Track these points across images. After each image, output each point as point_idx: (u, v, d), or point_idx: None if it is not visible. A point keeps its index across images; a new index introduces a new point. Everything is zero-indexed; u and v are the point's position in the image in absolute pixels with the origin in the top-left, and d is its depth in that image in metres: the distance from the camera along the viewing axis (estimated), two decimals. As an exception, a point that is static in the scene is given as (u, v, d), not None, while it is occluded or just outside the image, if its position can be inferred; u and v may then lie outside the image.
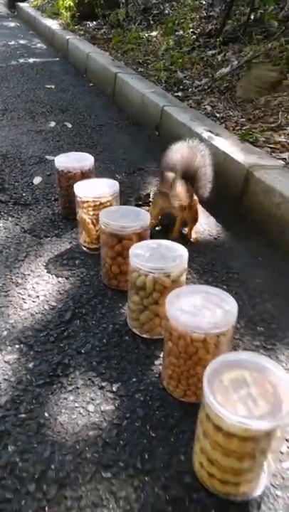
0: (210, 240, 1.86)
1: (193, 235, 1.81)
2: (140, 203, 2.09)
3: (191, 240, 1.79)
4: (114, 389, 1.15)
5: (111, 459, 0.98)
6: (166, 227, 1.82)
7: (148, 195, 2.17)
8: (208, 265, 1.68)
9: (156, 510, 0.88)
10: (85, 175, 1.83)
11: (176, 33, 4.44)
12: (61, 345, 1.27)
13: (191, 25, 4.39)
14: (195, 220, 1.79)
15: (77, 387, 1.14)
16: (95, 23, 5.77)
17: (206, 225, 1.96)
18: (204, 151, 1.75)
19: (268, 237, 1.83)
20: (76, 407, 1.09)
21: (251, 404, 0.83)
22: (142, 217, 1.43)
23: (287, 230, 1.74)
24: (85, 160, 1.86)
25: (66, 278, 1.55)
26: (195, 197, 1.76)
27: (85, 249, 1.71)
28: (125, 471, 0.96)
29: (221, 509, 0.89)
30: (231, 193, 2.07)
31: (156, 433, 1.04)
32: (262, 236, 1.86)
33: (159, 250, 1.26)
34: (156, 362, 1.23)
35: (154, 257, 1.23)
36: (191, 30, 4.32)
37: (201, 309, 1.05)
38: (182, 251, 1.26)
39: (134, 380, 1.18)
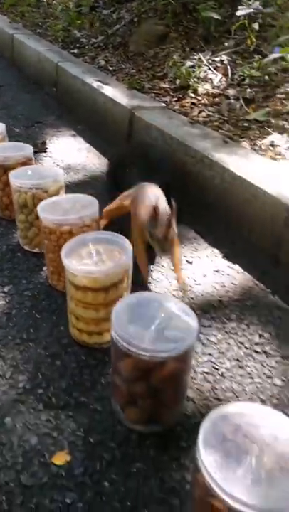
0: (100, 175, 2.07)
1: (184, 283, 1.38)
2: (36, 150, 2.24)
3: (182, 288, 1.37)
4: (5, 290, 1.34)
5: (1, 336, 1.18)
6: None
7: (44, 142, 2.33)
8: (97, 196, 1.89)
9: (38, 362, 1.10)
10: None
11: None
12: None
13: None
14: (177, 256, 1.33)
15: (-27, 292, 1.32)
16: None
17: (98, 165, 2.17)
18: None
19: (186, 200, 2.07)
20: (-29, 305, 1.27)
21: (100, 264, 1.05)
22: (25, 149, 1.60)
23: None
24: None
25: None
26: None
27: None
28: (13, 341, 1.16)
29: (90, 355, 1.12)
30: (120, 135, 2.28)
31: (41, 315, 1.25)
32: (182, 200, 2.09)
33: (37, 171, 1.45)
34: (45, 268, 1.43)
35: (33, 177, 1.41)
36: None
37: (70, 210, 1.26)
38: (58, 171, 1.45)
39: (24, 282, 1.38)
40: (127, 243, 1.10)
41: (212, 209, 1.72)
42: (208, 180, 1.72)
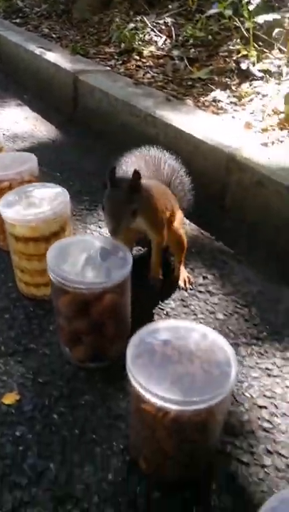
0: (48, 142, 2.06)
1: (183, 276, 1.23)
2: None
3: (180, 284, 1.22)
4: None
5: None
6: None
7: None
8: (44, 160, 1.88)
9: (-14, 317, 1.12)
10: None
11: None
12: None
13: None
14: (181, 246, 1.20)
15: None
16: None
17: (45, 132, 2.15)
18: (168, 158, 1.30)
19: (96, 134, 2.07)
20: None
21: (38, 211, 1.05)
22: None
23: (109, 122, 1.98)
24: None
25: None
26: (179, 213, 1.20)
27: None
28: None
29: (38, 306, 1.14)
30: (66, 100, 2.26)
31: (-10, 275, 1.26)
32: (93, 134, 2.09)
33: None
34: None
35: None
36: None
37: (9, 166, 1.24)
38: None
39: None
40: (66, 192, 1.11)
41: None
42: (153, 138, 1.74)
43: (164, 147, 1.69)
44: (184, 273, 1.24)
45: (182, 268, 1.24)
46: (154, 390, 0.63)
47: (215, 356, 0.70)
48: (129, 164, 1.27)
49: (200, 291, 1.22)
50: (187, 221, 1.51)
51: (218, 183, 1.51)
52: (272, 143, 1.53)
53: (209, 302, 1.18)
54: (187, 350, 0.71)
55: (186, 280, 1.23)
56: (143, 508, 0.75)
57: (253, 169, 1.37)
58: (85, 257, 0.90)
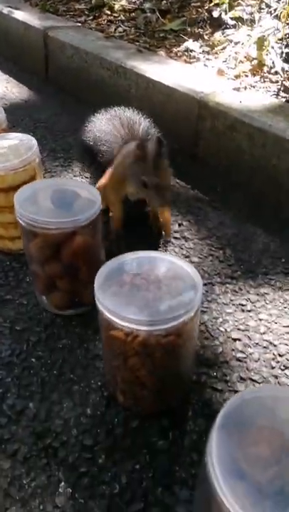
0: (21, 102, 2.00)
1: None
2: None
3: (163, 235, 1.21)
4: None
5: None
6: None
7: None
8: (17, 121, 1.84)
9: None
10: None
11: None
12: None
13: None
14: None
15: None
16: None
17: (18, 94, 2.10)
18: (142, 118, 1.27)
19: (69, 91, 2.02)
20: None
21: (4, 160, 1.03)
22: None
23: (81, 78, 1.93)
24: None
25: None
26: None
27: None
28: None
29: (15, 260, 1.14)
30: (36, 59, 2.19)
31: None
32: (66, 92, 2.04)
33: None
34: None
35: None
36: None
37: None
38: None
39: None
40: (33, 140, 1.09)
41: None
42: (126, 90, 1.71)
43: (137, 99, 1.67)
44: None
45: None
46: (122, 313, 0.64)
47: (182, 282, 0.71)
48: (103, 123, 1.28)
49: (175, 238, 1.22)
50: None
51: (191, 132, 1.49)
52: (245, 88, 1.51)
53: (184, 247, 1.19)
54: (155, 279, 0.72)
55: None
56: (121, 437, 0.78)
57: (226, 114, 1.35)
58: (54, 198, 0.89)
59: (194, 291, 0.68)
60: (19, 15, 2.34)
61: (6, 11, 2.40)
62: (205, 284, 1.09)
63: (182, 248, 1.18)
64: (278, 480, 0.47)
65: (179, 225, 1.27)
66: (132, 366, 0.70)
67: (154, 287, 0.71)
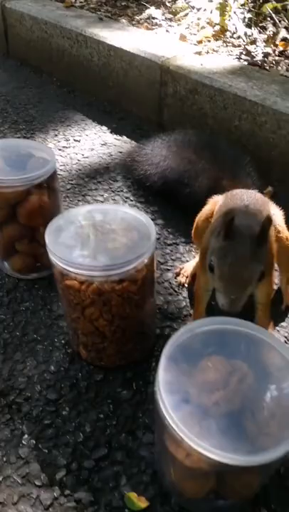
0: None
1: None
2: None
3: None
4: None
5: None
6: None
7: None
8: None
9: None
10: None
11: None
12: None
13: None
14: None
15: None
16: None
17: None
18: None
19: (32, 64, 1.97)
20: None
21: None
22: None
23: (42, 50, 1.88)
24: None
25: None
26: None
27: None
28: None
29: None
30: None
31: None
32: (28, 65, 1.99)
33: None
34: None
35: None
36: None
37: None
38: None
39: None
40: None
41: (94, 85, 1.69)
42: (87, 59, 1.68)
43: (99, 67, 1.64)
44: None
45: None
46: (74, 260, 0.64)
47: (136, 232, 0.71)
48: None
49: (140, 202, 1.22)
50: (128, 139, 1.49)
51: (156, 98, 1.48)
52: (207, 52, 1.50)
53: (150, 210, 1.19)
54: (109, 229, 0.72)
55: None
56: (85, 389, 0.78)
57: (187, 77, 1.34)
58: (6, 158, 0.88)
59: (148, 239, 0.68)
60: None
61: None
62: (170, 244, 1.09)
63: (147, 212, 1.18)
64: (224, 403, 0.48)
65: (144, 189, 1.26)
66: (90, 316, 0.70)
67: (108, 237, 0.70)
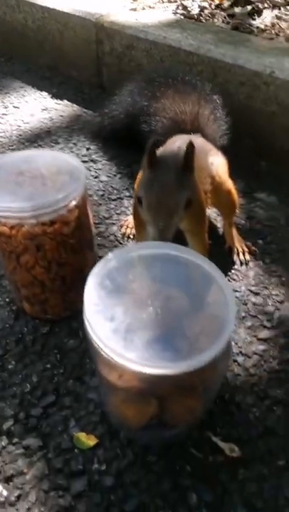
0: None
1: (238, 242, 0.93)
2: None
3: (236, 254, 0.92)
4: None
5: None
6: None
7: None
8: None
9: None
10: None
11: None
12: None
13: None
14: (231, 204, 0.90)
15: None
16: None
17: None
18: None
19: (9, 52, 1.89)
20: None
21: None
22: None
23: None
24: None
25: None
26: (220, 163, 0.86)
27: None
28: None
29: None
30: None
31: None
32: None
33: None
34: None
35: None
36: None
37: None
38: None
39: None
40: None
41: (31, 51, 1.64)
42: (22, 24, 1.62)
43: (34, 32, 1.59)
44: (237, 238, 0.94)
45: (234, 232, 0.93)
46: (3, 203, 0.62)
47: (67, 176, 0.69)
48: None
49: (84, 161, 1.20)
50: (69, 103, 1.46)
51: (94, 58, 1.44)
52: (143, 8, 1.47)
53: (93, 169, 1.17)
54: (39, 175, 0.70)
55: (242, 247, 0.92)
56: (31, 343, 0.77)
57: (121, 33, 1.31)
58: None
59: (78, 181, 0.67)
60: None
61: None
62: (114, 200, 1.08)
63: (91, 170, 1.16)
64: (150, 320, 0.48)
65: (87, 149, 1.24)
66: (26, 264, 0.69)
67: (37, 182, 0.68)
